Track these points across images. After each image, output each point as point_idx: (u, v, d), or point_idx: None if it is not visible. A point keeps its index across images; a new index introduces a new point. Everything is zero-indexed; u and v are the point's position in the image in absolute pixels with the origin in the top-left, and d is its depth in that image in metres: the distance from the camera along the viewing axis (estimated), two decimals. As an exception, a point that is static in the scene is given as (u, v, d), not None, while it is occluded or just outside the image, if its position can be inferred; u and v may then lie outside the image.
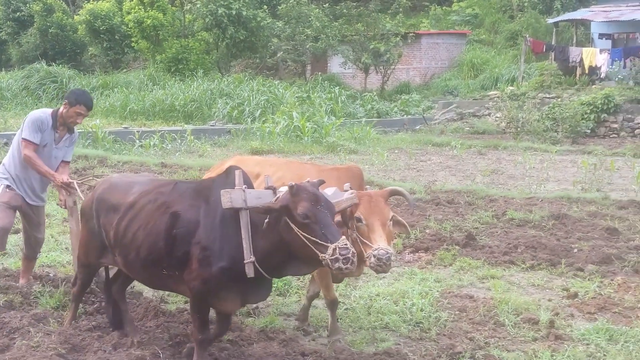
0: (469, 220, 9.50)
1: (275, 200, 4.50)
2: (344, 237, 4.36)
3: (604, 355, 5.25)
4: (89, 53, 38.84)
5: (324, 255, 4.20)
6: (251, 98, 24.08)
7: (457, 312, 6.16)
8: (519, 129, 21.51)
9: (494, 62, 33.52)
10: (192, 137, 18.03)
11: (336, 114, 24.37)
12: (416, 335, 5.69)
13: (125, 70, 35.66)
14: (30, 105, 26.31)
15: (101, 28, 35.01)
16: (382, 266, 4.58)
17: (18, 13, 38.28)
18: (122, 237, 5.01)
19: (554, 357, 5.16)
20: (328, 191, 4.75)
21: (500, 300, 6.28)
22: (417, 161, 17.28)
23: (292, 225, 4.33)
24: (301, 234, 4.29)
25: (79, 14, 37.14)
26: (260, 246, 4.52)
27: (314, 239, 4.26)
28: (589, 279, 7.04)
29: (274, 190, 4.67)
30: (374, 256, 4.57)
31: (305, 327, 5.91)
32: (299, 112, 21.45)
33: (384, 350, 5.28)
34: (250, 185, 4.74)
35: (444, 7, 40.65)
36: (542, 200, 10.87)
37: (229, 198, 4.52)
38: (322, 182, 4.71)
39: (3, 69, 34.78)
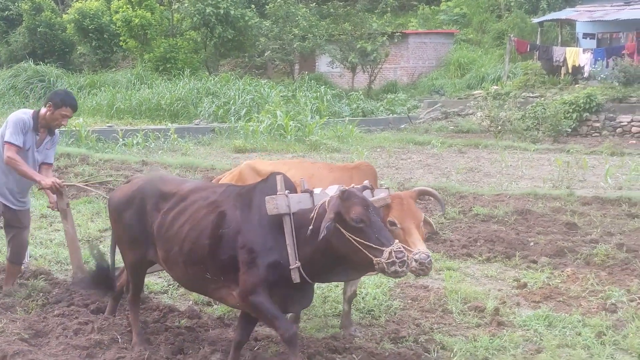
0: (435, 215, 9.76)
1: (320, 208, 4.45)
2: (397, 240, 4.33)
3: (540, 339, 5.52)
4: (78, 52, 38.93)
5: (379, 259, 4.17)
6: (237, 97, 24.31)
7: (409, 301, 6.43)
8: (499, 127, 21.80)
9: (481, 61, 33.85)
10: (175, 136, 18.25)
11: (321, 113, 24.67)
12: (366, 322, 5.96)
13: (114, 69, 35.85)
14: (18, 104, 26.50)
15: (90, 27, 35.21)
16: (424, 269, 4.52)
17: (7, 12, 38.57)
18: (167, 228, 4.92)
19: (492, 341, 5.43)
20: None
21: (451, 289, 6.56)
22: (398, 159, 17.53)
23: (344, 231, 4.28)
24: (354, 239, 4.25)
25: (67, 13, 37.29)
26: (304, 252, 4.49)
27: (368, 243, 4.22)
28: (540, 271, 7.32)
29: (310, 193, 4.70)
30: (416, 260, 4.48)
31: (352, 332, 5.67)
32: (283, 111, 21.71)
33: (331, 335, 5.55)
34: (292, 190, 4.68)
35: (432, 7, 40.92)
36: (509, 197, 11.14)
37: (274, 204, 4.49)
38: (366, 187, 4.68)
39: (-8, 68, 35.04)
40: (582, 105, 24.30)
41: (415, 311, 6.17)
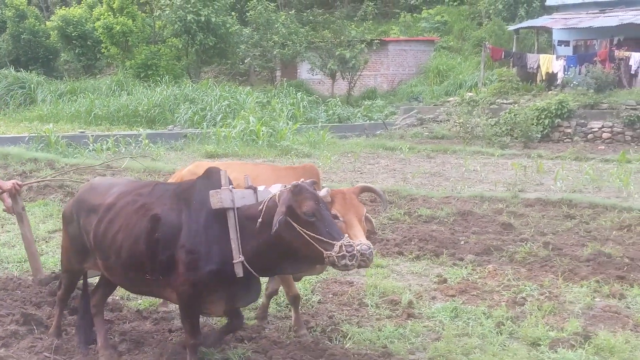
0: (380, 217, 10.07)
1: (269, 202, 4.52)
2: (346, 234, 4.45)
3: (442, 329, 5.85)
4: (62, 59, 39.14)
5: (330, 252, 4.25)
6: (213, 103, 24.61)
7: (330, 296, 6.74)
8: (468, 133, 22.15)
9: (460, 68, 34.31)
10: (147, 141, 18.52)
11: (297, 119, 25.00)
12: (282, 314, 6.27)
13: (98, 76, 36.09)
14: (-2, 110, 26.86)
15: (73, 34, 35.46)
16: (365, 261, 4.49)
17: (-10, 19, 38.76)
18: (101, 239, 4.93)
19: (397, 331, 5.74)
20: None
21: (371, 285, 6.87)
22: (365, 164, 17.85)
23: (295, 225, 4.34)
24: (305, 233, 4.31)
25: (51, 20, 37.54)
26: (251, 246, 4.53)
27: (320, 237, 4.29)
28: (464, 267, 7.64)
29: (254, 189, 4.79)
30: (358, 251, 4.45)
31: (264, 325, 5.93)
32: (257, 117, 22.02)
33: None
34: (233, 186, 4.75)
35: (414, 15, 41.34)
36: (457, 199, 11.48)
37: (219, 198, 4.55)
38: (314, 182, 4.74)
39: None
40: (554, 111, 24.70)
41: (333, 305, 6.47)
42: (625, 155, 16.27)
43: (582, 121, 24.85)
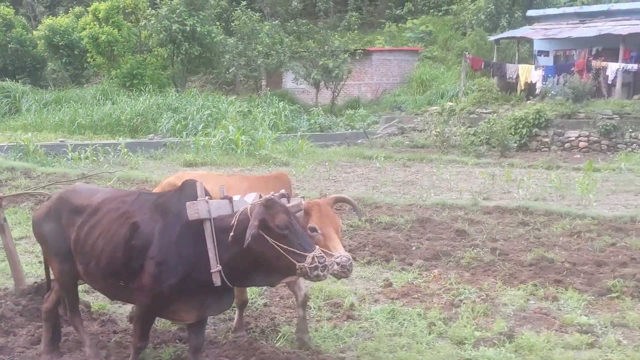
0: (342, 224, 10.33)
1: (241, 215, 4.61)
2: (317, 246, 4.55)
3: (377, 329, 6.15)
4: (49, 68, 39.37)
5: (302, 264, 4.35)
6: (195, 113, 24.91)
7: (277, 299, 7.03)
8: (445, 142, 22.50)
9: (443, 78, 34.72)
10: (126, 150, 18.79)
11: (279, 128, 25.35)
12: (226, 316, 6.54)
13: (85, 85, 36.33)
14: (-18, 120, 27.10)
15: (60, 43, 35.68)
16: (345, 272, 4.67)
17: (-23, 29, 38.89)
18: (82, 243, 4.99)
19: (332, 331, 6.04)
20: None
21: (318, 288, 7.16)
22: (341, 173, 18.14)
23: (268, 238, 4.44)
24: (278, 245, 4.41)
25: (38, 30, 37.77)
26: (225, 256, 4.61)
27: (292, 249, 4.40)
28: (411, 272, 7.94)
29: (230, 199, 4.86)
30: (337, 263, 4.63)
31: (307, 341, 5.87)
32: (237, 126, 22.32)
33: (179, 327, 6.11)
34: (210, 197, 4.82)
35: (399, 25, 41.76)
36: (420, 207, 11.79)
37: (195, 209, 4.64)
38: (284, 195, 4.88)
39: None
40: (531, 121, 25.10)
41: (278, 307, 6.77)
42: (593, 164, 16.57)
43: (560, 130, 25.25)
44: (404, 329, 6.14)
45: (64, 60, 36.84)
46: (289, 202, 4.94)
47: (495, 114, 26.33)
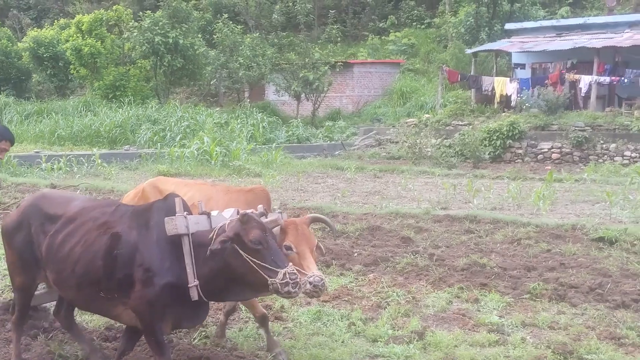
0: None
1: (220, 230, 4.70)
2: (291, 263, 4.63)
3: (299, 329, 6.48)
4: (34, 80, 39.66)
5: (274, 280, 4.42)
6: (172, 124, 25.28)
7: (211, 303, 7.32)
8: (416, 154, 22.92)
9: (423, 90, 35.19)
10: (100, 161, 19.10)
11: (257, 140, 25.75)
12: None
13: (71, 97, 36.62)
14: (-37, 131, 27.31)
15: (45, 55, 36.05)
16: (317, 292, 4.77)
17: (-38, 40, 39.19)
18: (56, 251, 4.98)
19: (256, 331, 6.36)
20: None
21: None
22: (311, 183, 18.47)
23: (241, 252, 4.53)
24: (251, 260, 4.49)
25: (22, 41, 38.11)
26: (202, 271, 4.69)
27: (265, 264, 4.49)
28: (348, 277, 8.29)
29: (208, 215, 4.95)
30: (310, 283, 4.71)
31: (223, 344, 6.08)
32: (211, 137, 22.69)
33: (106, 326, 6.42)
34: (189, 212, 4.90)
35: (382, 37, 42.25)
36: (375, 216, 12.12)
37: (173, 225, 4.70)
38: (263, 213, 4.97)
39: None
40: (505, 132, 25.58)
41: (211, 310, 7.04)
42: (553, 175, 16.96)
43: (533, 142, 25.72)
44: (325, 328, 6.48)
45: (48, 72, 37.22)
46: (266, 218, 5.02)
47: (470, 126, 26.81)
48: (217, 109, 32.00)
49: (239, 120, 27.14)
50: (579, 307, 7.10)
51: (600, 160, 24.27)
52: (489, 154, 24.72)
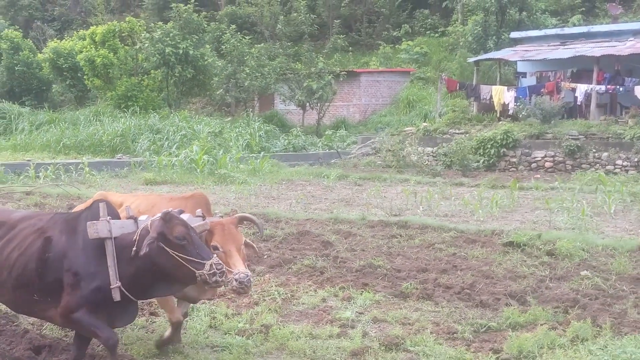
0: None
1: (143, 230, 5.00)
2: (214, 254, 4.94)
3: (166, 323, 7.01)
4: (54, 90, 40.85)
5: (201, 271, 4.71)
6: (170, 133, 26.09)
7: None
8: (400, 162, 23.33)
9: (429, 98, 35.52)
10: (87, 169, 19.87)
11: (252, 149, 26.42)
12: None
13: (91, 106, 37.69)
14: (-24, 140, 28.63)
15: (64, 66, 37.25)
16: (244, 288, 5.05)
17: (-15, 51, 40.60)
18: None
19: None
20: (183, 217, 5.21)
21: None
22: (288, 190, 18.98)
23: (167, 249, 4.80)
24: (177, 255, 4.77)
25: (43, 52, 39.38)
26: (127, 272, 4.96)
27: (191, 258, 4.79)
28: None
29: (135, 219, 5.25)
30: (236, 280, 4.98)
31: (179, 348, 6.29)
32: (210, 146, 23.42)
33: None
34: (115, 216, 5.20)
35: (396, 46, 42.66)
36: (315, 221, 12.60)
37: (95, 229, 5.00)
38: (182, 211, 5.30)
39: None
40: (499, 141, 25.83)
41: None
42: (517, 183, 17.24)
43: (527, 151, 25.92)
44: (190, 323, 6.98)
45: (67, 82, 38.44)
46: (204, 221, 5.41)
47: (467, 134, 27.10)
48: (229, 118, 32.80)
49: (237, 129, 27.77)
50: (439, 305, 7.54)
51: (593, 169, 24.36)
52: (483, 163, 25.00)
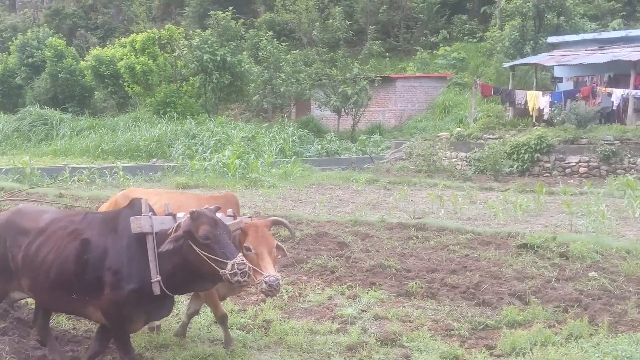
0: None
1: (177, 227, 5.12)
2: (240, 254, 5.00)
3: (177, 318, 7.27)
4: (96, 97, 41.76)
5: (224, 270, 4.82)
6: (204, 138, 26.53)
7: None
8: (430, 166, 23.36)
9: (465, 104, 35.40)
10: (122, 173, 20.33)
11: (285, 153, 26.70)
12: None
13: (132, 113, 38.45)
14: (19, 146, 29.40)
15: (105, 73, 38.16)
16: (272, 291, 5.17)
17: (31, 59, 41.71)
18: (31, 260, 5.35)
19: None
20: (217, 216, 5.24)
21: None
22: (317, 194, 19.17)
23: (194, 247, 4.92)
24: (202, 254, 4.87)
25: (85, 60, 40.34)
26: (165, 268, 5.09)
27: (214, 257, 4.88)
28: (259, 276, 9.02)
29: (174, 216, 5.34)
30: (265, 282, 5.12)
31: (181, 341, 6.47)
32: (242, 151, 23.77)
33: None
34: (154, 214, 5.29)
35: (433, 51, 42.66)
36: (336, 223, 12.75)
37: (138, 224, 5.12)
38: (218, 208, 5.35)
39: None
40: (533, 146, 25.64)
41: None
42: (543, 187, 17.14)
43: (561, 156, 25.68)
44: (196, 318, 7.18)
45: (109, 89, 39.32)
46: (235, 220, 5.53)
47: (501, 139, 26.97)
48: (266, 124, 33.14)
49: (270, 134, 28.10)
50: (442, 304, 7.65)
51: (628, 175, 24.04)
52: (516, 168, 24.88)
